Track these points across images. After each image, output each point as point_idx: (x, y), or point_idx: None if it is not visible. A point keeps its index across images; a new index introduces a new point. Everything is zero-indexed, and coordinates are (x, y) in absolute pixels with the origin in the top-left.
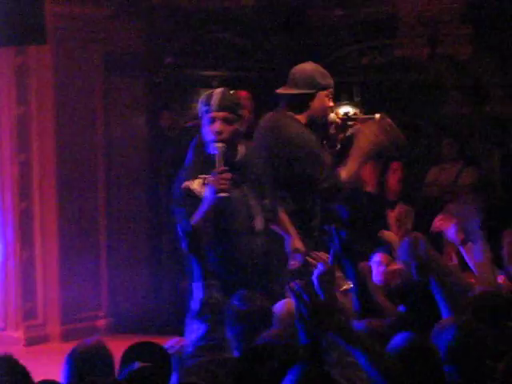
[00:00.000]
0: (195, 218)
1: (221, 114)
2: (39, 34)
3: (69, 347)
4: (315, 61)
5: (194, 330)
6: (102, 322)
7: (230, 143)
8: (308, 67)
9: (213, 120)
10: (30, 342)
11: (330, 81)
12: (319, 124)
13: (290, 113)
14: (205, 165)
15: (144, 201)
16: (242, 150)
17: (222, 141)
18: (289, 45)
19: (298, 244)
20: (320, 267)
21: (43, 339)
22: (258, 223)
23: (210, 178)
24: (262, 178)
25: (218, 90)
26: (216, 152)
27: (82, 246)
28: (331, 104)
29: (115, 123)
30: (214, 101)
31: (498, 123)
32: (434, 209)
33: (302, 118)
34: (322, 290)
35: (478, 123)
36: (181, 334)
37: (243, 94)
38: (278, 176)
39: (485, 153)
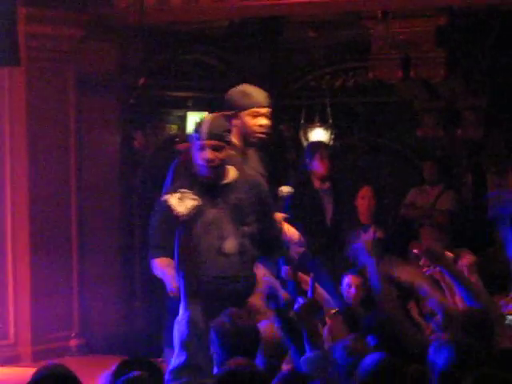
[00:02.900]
0: (158, 270)
1: (210, 142)
2: (13, 56)
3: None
4: (288, 82)
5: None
6: (73, 343)
7: (220, 168)
8: (233, 89)
9: (203, 147)
10: (1, 362)
11: (254, 99)
12: (252, 143)
13: None
14: (188, 181)
15: (117, 221)
16: (232, 173)
17: (212, 167)
18: (262, 66)
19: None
20: (300, 300)
21: (14, 359)
22: (229, 245)
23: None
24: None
25: (208, 118)
26: (204, 174)
27: (53, 266)
28: (257, 122)
29: (88, 144)
30: (204, 128)
31: (469, 147)
32: (410, 230)
33: (235, 138)
34: (303, 323)
35: (450, 146)
36: (153, 354)
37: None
38: None
39: (457, 176)
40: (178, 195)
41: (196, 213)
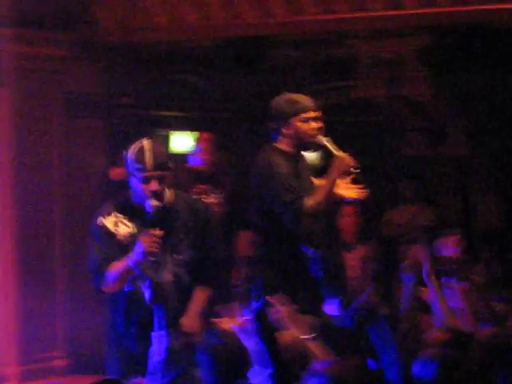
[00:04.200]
0: (115, 269)
1: (156, 173)
2: None
3: None
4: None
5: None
6: (59, 363)
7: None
8: (278, 98)
9: (147, 179)
10: None
11: (301, 105)
12: (309, 147)
13: (273, 143)
14: (121, 205)
15: None
16: (168, 197)
17: (157, 199)
18: (247, 85)
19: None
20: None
21: (0, 379)
22: (164, 275)
23: (141, 236)
24: (187, 230)
25: (148, 146)
26: (151, 210)
27: (38, 285)
28: (308, 126)
29: (73, 163)
30: (148, 159)
31: (456, 164)
32: (389, 249)
33: (282, 145)
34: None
35: (436, 164)
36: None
37: (204, 135)
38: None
39: (442, 194)
40: (113, 219)
41: (130, 240)
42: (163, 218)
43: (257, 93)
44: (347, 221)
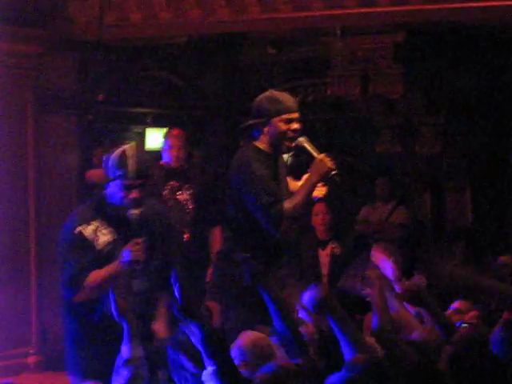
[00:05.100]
0: (96, 278)
1: (139, 181)
2: None
3: None
4: (248, 99)
5: (120, 376)
6: (31, 359)
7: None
8: (261, 96)
9: (130, 187)
10: None
11: (284, 105)
12: (285, 149)
13: (252, 142)
14: (98, 211)
15: None
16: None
17: (137, 207)
18: (222, 83)
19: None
20: None
21: None
22: (137, 284)
23: (128, 244)
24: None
25: (131, 153)
26: (131, 218)
27: (11, 281)
28: (289, 127)
29: (47, 160)
30: (131, 167)
31: (427, 162)
32: (363, 246)
33: (262, 145)
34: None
35: (409, 162)
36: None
37: (176, 132)
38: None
39: (416, 192)
40: (92, 227)
41: (110, 248)
42: (137, 226)
43: (231, 90)
44: (317, 218)
